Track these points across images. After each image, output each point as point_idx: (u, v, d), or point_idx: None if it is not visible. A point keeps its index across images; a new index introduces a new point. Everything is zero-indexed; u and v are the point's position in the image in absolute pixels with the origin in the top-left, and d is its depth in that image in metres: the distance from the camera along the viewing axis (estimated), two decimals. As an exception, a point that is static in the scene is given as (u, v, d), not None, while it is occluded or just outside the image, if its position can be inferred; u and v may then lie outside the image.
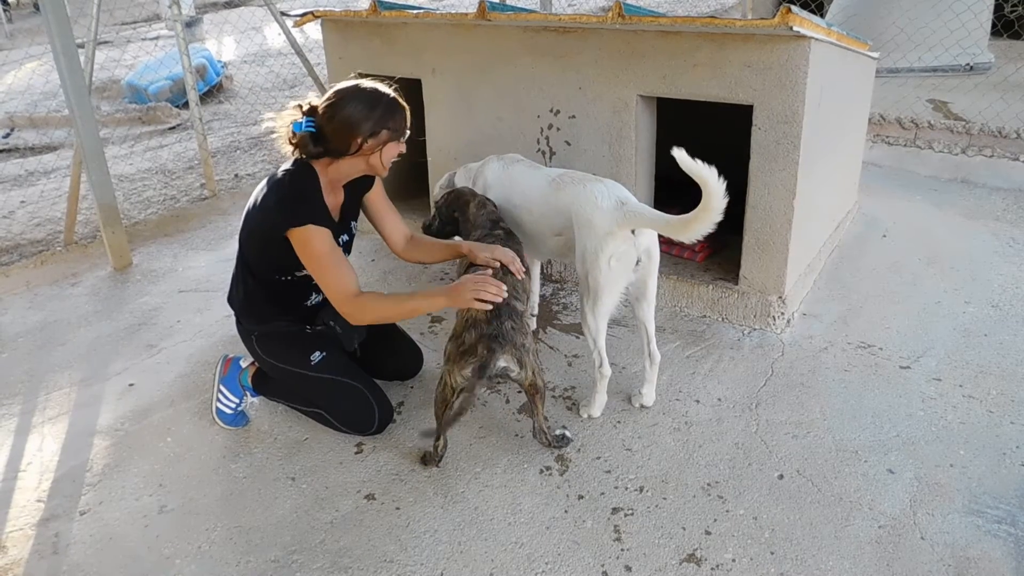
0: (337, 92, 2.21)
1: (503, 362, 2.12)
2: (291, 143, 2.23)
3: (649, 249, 2.34)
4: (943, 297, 3.11)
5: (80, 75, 3.60)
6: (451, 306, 2.20)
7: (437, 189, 3.03)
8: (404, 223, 2.58)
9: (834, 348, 2.80)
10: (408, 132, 2.30)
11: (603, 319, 2.35)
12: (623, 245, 2.27)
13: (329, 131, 2.19)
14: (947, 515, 2.03)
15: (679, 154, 1.95)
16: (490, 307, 2.13)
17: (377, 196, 2.52)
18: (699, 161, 1.97)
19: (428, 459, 2.30)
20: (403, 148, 2.31)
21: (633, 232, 2.28)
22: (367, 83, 2.24)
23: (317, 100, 2.24)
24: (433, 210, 2.74)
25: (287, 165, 2.28)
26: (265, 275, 2.36)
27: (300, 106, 2.23)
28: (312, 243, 2.17)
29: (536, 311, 3.06)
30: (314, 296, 2.44)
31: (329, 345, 2.44)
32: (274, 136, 2.27)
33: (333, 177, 2.29)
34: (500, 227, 2.54)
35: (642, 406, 2.51)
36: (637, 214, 2.26)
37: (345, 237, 2.42)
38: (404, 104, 2.27)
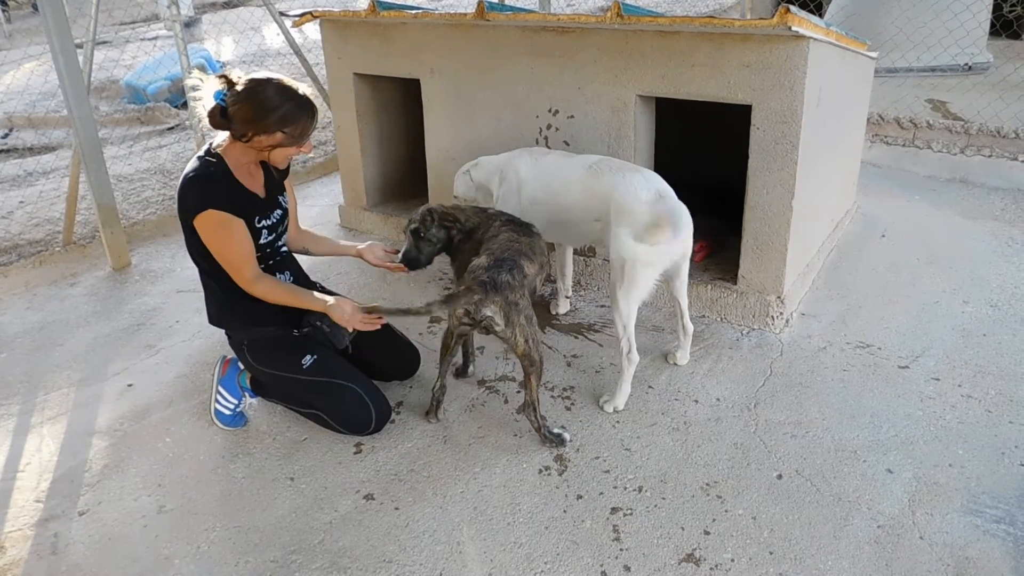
0: (252, 80, 2.22)
1: (488, 311, 2.15)
2: (204, 107, 2.25)
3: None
4: (942, 297, 3.11)
5: (79, 75, 3.60)
6: (329, 314, 2.32)
7: (459, 185, 3.02)
8: (298, 220, 2.66)
9: (833, 348, 2.80)
10: (309, 136, 2.30)
11: (635, 304, 2.40)
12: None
13: (231, 112, 2.21)
14: (946, 515, 2.03)
15: None
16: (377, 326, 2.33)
17: (287, 183, 2.55)
18: None
19: (429, 411, 2.48)
20: (305, 151, 2.33)
21: None
22: (284, 81, 2.23)
23: (240, 75, 2.24)
24: (411, 240, 2.54)
25: (199, 152, 2.34)
26: (218, 273, 2.35)
27: (225, 76, 2.23)
28: (211, 228, 2.25)
29: (570, 293, 3.18)
30: (279, 276, 2.45)
31: (319, 347, 2.42)
32: (197, 96, 2.26)
33: (239, 157, 2.31)
34: (507, 220, 2.51)
35: (675, 364, 2.73)
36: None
37: (279, 212, 2.45)
38: (313, 109, 2.26)
